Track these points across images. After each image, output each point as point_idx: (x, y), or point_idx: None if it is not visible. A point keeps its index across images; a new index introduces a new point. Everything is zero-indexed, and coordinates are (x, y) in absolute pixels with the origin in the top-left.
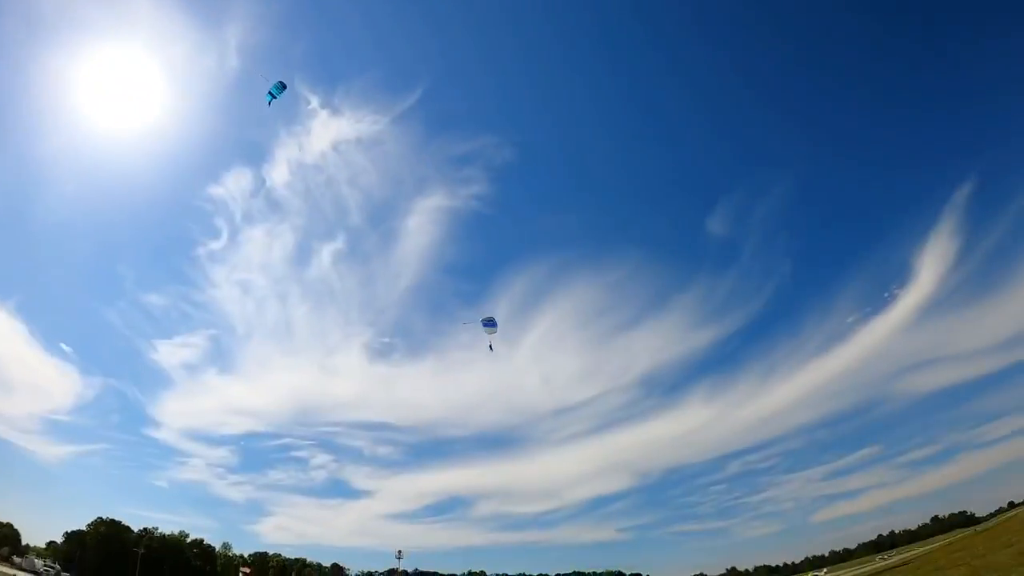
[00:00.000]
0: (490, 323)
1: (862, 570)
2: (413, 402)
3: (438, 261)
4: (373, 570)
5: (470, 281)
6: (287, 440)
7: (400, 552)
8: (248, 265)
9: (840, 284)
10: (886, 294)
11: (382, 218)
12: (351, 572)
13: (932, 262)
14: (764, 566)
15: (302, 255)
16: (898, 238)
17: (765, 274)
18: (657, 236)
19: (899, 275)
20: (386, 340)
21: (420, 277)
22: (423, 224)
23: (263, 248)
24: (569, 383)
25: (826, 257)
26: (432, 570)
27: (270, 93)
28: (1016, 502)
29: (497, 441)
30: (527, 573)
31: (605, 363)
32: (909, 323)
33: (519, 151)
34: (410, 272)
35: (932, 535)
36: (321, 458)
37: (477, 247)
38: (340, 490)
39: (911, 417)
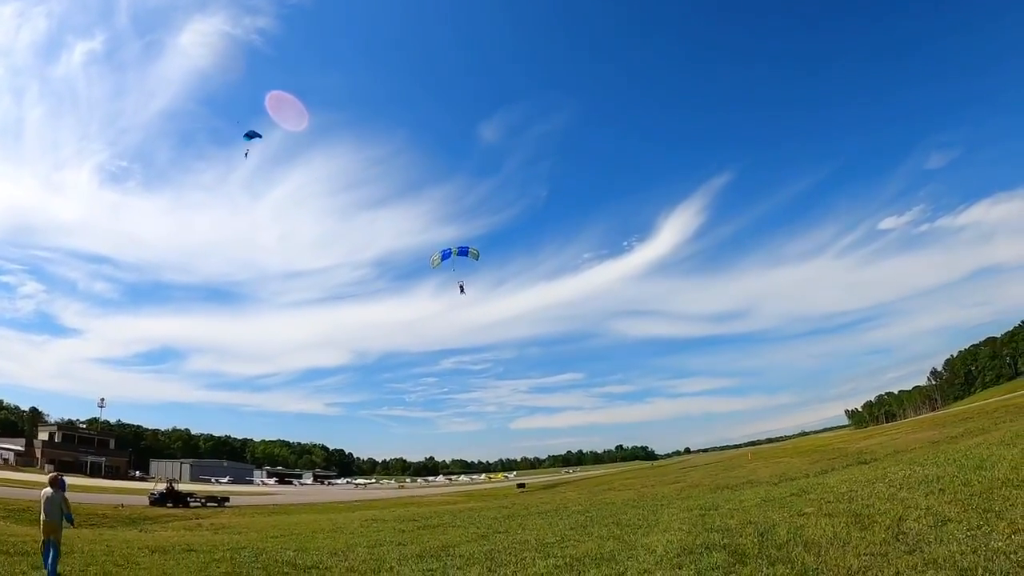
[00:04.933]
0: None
1: (546, 479)
2: (140, 238)
3: (199, 90)
4: (74, 418)
5: (229, 119)
6: None
7: (103, 400)
8: None
9: (586, 221)
10: (624, 243)
11: (151, 27)
12: (50, 418)
13: (674, 228)
14: (460, 460)
15: (52, 48)
16: (651, 196)
17: (521, 192)
18: (429, 125)
19: (641, 230)
20: (123, 164)
21: (176, 103)
22: (194, 46)
23: (9, 32)
24: (305, 248)
25: (581, 192)
26: (136, 423)
27: (247, 135)
28: (692, 449)
29: (222, 294)
30: (232, 436)
31: (345, 236)
32: (637, 274)
33: None
34: (167, 95)
35: (613, 461)
36: (31, 286)
37: (244, 84)
38: (47, 325)
39: (616, 356)
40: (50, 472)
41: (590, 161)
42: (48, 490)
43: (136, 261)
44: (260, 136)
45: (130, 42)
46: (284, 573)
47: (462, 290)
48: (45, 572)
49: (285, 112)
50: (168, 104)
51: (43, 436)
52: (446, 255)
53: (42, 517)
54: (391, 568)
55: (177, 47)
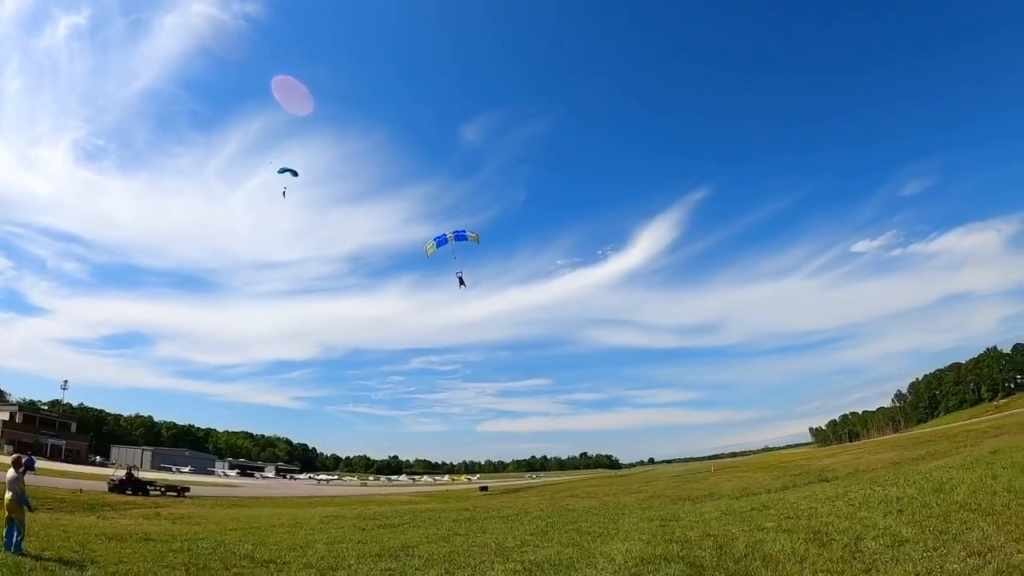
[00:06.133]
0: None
1: (510, 483)
2: (113, 219)
3: (182, 72)
4: (36, 399)
5: (210, 104)
6: None
7: (66, 382)
8: None
9: (562, 227)
10: (599, 251)
11: (138, 5)
12: (11, 398)
13: (649, 240)
14: (424, 460)
15: (36, 20)
16: (628, 207)
17: (499, 194)
18: (411, 123)
19: (616, 239)
20: (100, 143)
21: (158, 84)
22: (181, 27)
23: None
24: (278, 239)
25: (559, 199)
26: (99, 407)
27: (289, 171)
28: (656, 460)
29: (192, 281)
30: (195, 425)
31: (319, 229)
32: (611, 283)
33: None
34: (149, 75)
35: (577, 468)
36: None
37: (229, 71)
38: (13, 303)
39: (585, 363)
40: (11, 454)
41: (570, 168)
42: (11, 471)
43: (107, 242)
44: (296, 173)
45: (115, 19)
46: (241, 566)
47: (461, 282)
48: (3, 549)
49: (291, 97)
50: (149, 85)
51: (3, 416)
52: (441, 241)
53: (6, 497)
54: (349, 566)
55: (163, 27)
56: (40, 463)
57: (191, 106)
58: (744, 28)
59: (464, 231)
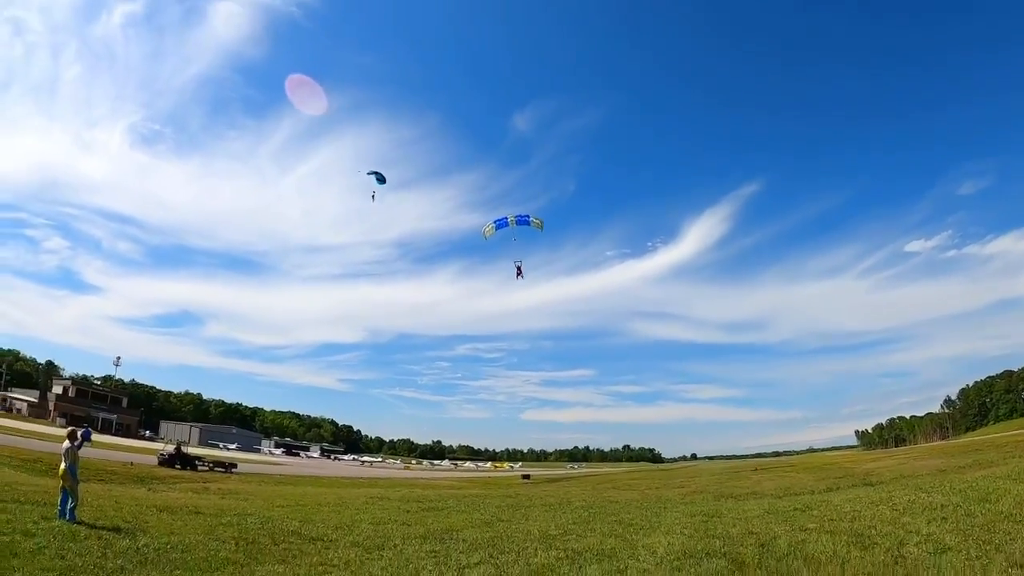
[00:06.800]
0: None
1: (552, 472)
2: (167, 201)
3: (237, 58)
4: (88, 374)
5: (263, 89)
6: (22, 215)
7: (119, 359)
8: (27, 2)
9: (610, 219)
10: (648, 243)
11: None
12: (65, 372)
13: (699, 234)
14: (467, 447)
15: (92, 7)
16: (678, 199)
17: (548, 184)
18: (462, 110)
19: (665, 232)
20: (155, 127)
21: (212, 70)
22: (235, 14)
23: None
24: (327, 223)
25: (609, 189)
26: (149, 384)
27: (376, 175)
28: (699, 456)
29: (243, 263)
30: (243, 403)
31: (369, 215)
32: (659, 276)
33: None
34: (203, 61)
35: (619, 460)
36: (55, 242)
37: (282, 56)
38: (69, 281)
39: (631, 355)
40: (64, 426)
41: (620, 159)
42: (67, 442)
43: (161, 224)
44: (383, 180)
45: (170, 6)
46: (290, 542)
47: (519, 272)
48: (58, 517)
49: (304, 96)
50: (204, 70)
51: (57, 389)
52: (501, 224)
53: (61, 467)
54: (395, 546)
55: (218, 13)
56: (93, 436)
57: (245, 91)
58: (801, 23)
59: (527, 216)
